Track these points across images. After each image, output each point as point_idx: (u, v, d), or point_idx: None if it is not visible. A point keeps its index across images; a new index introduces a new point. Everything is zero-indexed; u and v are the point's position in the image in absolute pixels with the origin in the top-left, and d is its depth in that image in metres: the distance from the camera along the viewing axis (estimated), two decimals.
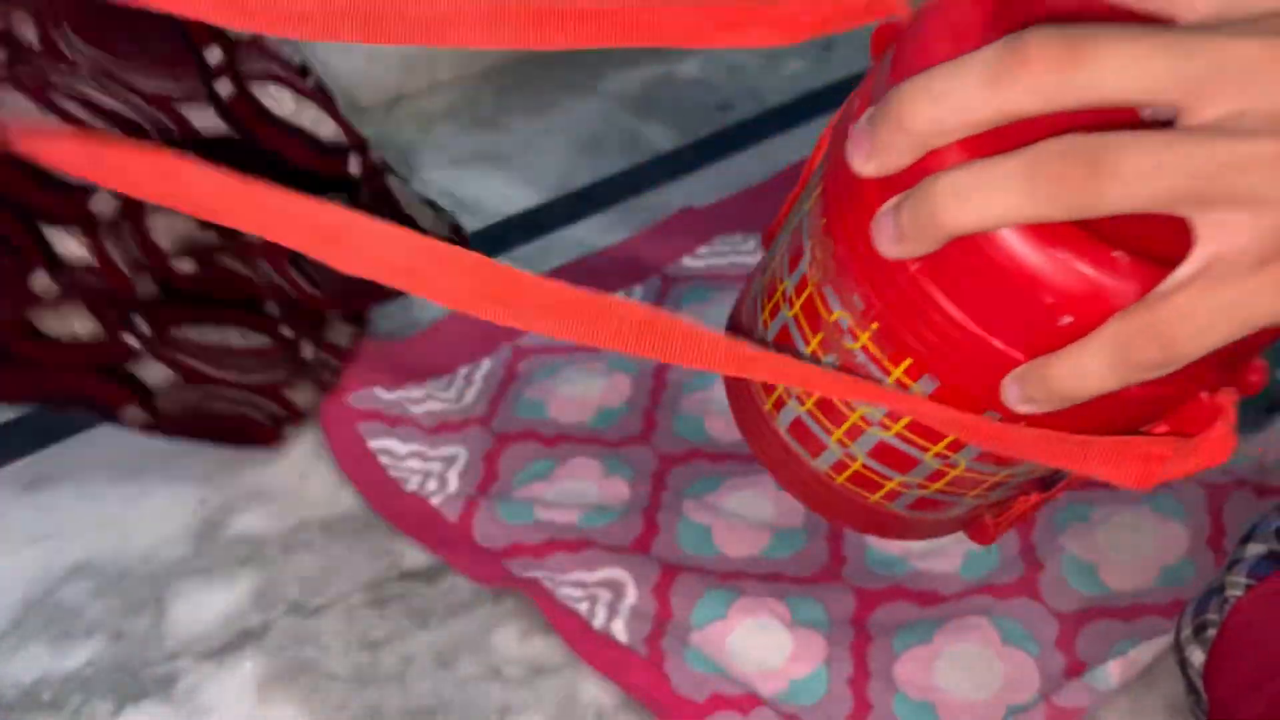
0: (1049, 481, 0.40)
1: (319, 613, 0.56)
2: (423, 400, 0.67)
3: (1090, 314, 0.29)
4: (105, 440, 0.67)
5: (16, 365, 0.55)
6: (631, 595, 0.55)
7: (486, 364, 0.71)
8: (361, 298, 0.65)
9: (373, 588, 0.57)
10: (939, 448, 0.37)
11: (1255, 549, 0.49)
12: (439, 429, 0.65)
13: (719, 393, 0.67)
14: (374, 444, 0.64)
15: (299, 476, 0.64)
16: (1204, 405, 0.32)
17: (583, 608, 0.54)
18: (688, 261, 0.79)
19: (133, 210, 0.54)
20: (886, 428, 0.37)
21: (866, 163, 0.29)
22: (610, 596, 0.55)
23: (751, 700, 0.49)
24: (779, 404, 0.40)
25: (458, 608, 0.56)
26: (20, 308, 0.53)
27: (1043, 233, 0.28)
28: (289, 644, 0.55)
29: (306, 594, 0.57)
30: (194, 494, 0.63)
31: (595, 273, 0.78)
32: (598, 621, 0.53)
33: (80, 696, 0.53)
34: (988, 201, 0.26)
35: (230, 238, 0.58)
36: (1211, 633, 0.47)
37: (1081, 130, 0.26)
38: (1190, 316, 0.26)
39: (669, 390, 0.68)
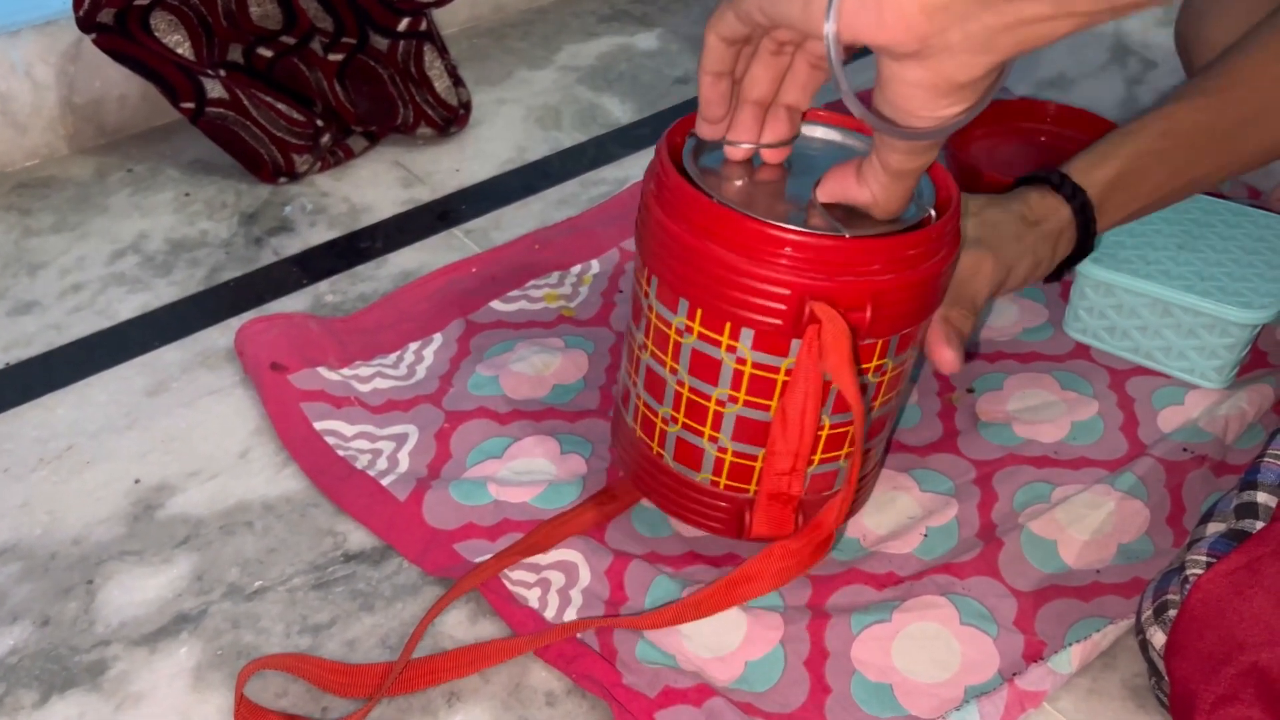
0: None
1: (259, 596, 0.54)
2: (370, 378, 0.65)
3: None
4: (33, 417, 0.64)
5: (134, 41, 0.77)
6: (585, 578, 0.53)
7: (438, 339, 0.68)
8: (378, 121, 0.87)
9: (316, 570, 0.55)
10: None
11: (1215, 527, 0.48)
12: (386, 407, 0.63)
13: None
14: (320, 425, 0.61)
15: (239, 455, 0.62)
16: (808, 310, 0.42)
17: (534, 597, 0.52)
18: None
19: None
20: (734, 401, 0.47)
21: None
22: (563, 580, 0.53)
23: (704, 691, 0.47)
24: (661, 439, 0.50)
25: (404, 591, 0.54)
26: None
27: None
28: (227, 628, 0.52)
29: (246, 577, 0.55)
30: (128, 473, 0.61)
31: (550, 246, 0.76)
32: (549, 613, 0.51)
33: (3, 685, 0.50)
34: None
35: (302, 44, 0.82)
36: (1172, 613, 0.46)
37: None
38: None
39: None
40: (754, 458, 0.48)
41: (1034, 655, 0.49)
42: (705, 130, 0.46)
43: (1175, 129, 0.58)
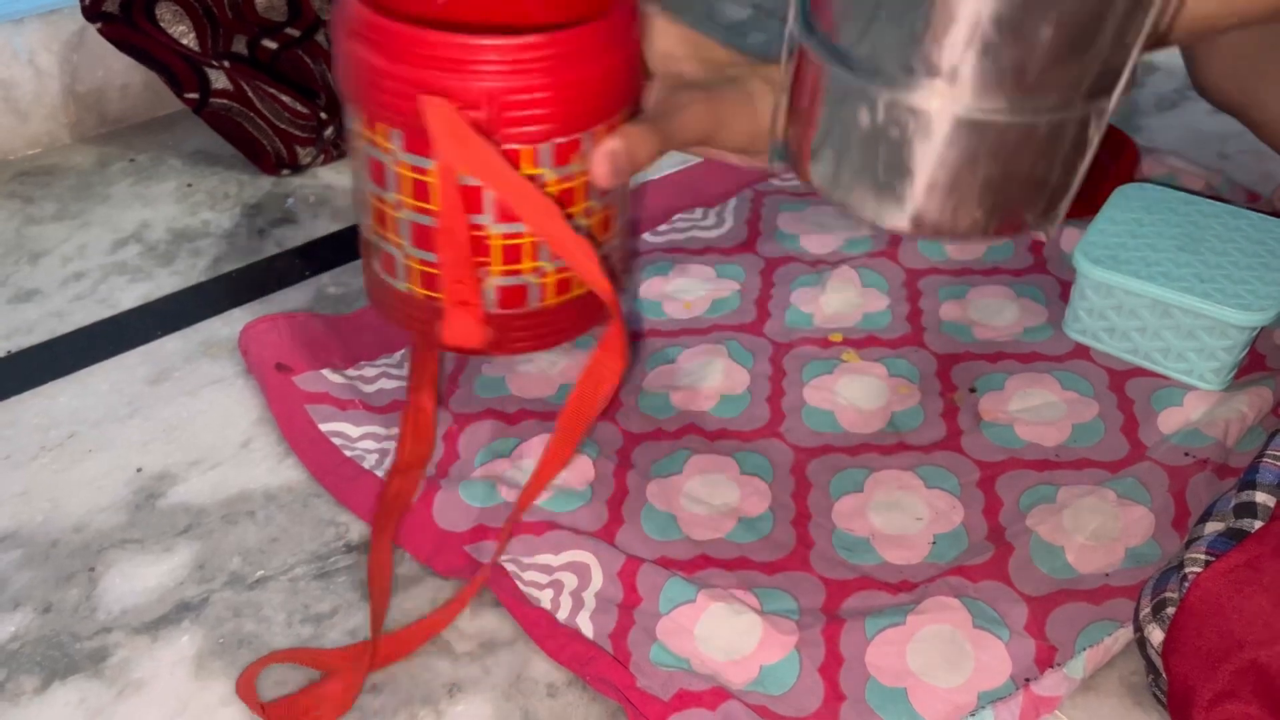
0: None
1: (261, 585, 0.54)
2: (375, 379, 0.65)
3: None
4: (34, 405, 0.64)
5: (138, 31, 0.78)
6: (598, 580, 0.53)
7: None
8: None
9: (318, 560, 0.55)
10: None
11: (1214, 526, 0.49)
12: (392, 407, 0.63)
13: (685, 365, 0.66)
14: (325, 427, 0.61)
15: (241, 445, 0.62)
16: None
17: (546, 598, 0.52)
18: (648, 237, 0.78)
19: None
20: (403, 206, 0.46)
21: None
22: (576, 582, 0.53)
23: (719, 694, 0.47)
24: (370, 250, 0.50)
25: (406, 581, 0.54)
26: None
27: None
28: (229, 617, 0.53)
29: (248, 566, 0.55)
30: (130, 461, 0.61)
31: None
32: (562, 614, 0.51)
33: (4, 671, 0.50)
34: None
35: (307, 36, 0.83)
36: (1170, 610, 0.46)
37: None
38: None
39: (632, 365, 0.66)
40: (435, 264, 0.48)
41: (1045, 660, 0.49)
42: None
43: None
